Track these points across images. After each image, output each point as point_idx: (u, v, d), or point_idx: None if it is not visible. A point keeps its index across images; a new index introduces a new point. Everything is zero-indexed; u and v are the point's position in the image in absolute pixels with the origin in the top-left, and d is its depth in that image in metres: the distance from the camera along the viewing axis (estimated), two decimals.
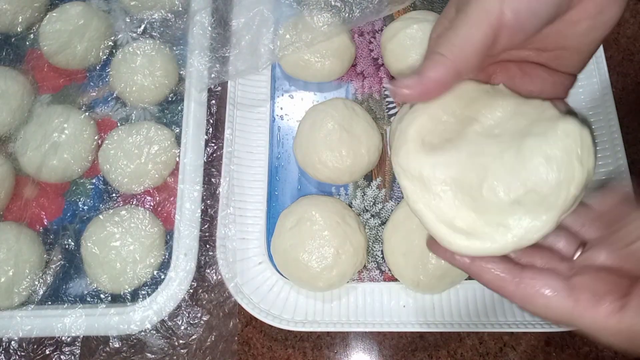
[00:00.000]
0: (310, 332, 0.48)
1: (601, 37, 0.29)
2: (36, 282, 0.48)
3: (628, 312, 0.24)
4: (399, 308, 0.46)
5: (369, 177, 0.52)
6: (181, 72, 0.55)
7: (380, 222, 0.50)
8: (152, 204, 0.52)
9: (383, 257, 0.48)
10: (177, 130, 0.53)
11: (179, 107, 0.54)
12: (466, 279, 0.47)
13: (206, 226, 0.50)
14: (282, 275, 0.48)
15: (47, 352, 0.46)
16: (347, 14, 0.52)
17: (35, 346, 0.46)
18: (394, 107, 0.54)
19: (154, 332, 0.47)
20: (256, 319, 0.46)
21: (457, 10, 0.30)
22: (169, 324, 0.47)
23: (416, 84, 0.28)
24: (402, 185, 0.28)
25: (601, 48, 0.53)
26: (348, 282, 0.47)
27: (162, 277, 0.48)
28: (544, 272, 0.27)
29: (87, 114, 0.54)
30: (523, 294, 0.26)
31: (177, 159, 0.52)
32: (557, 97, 0.33)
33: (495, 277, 0.27)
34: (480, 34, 0.27)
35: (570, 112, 0.29)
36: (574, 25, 0.28)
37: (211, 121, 0.54)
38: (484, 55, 0.28)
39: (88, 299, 0.48)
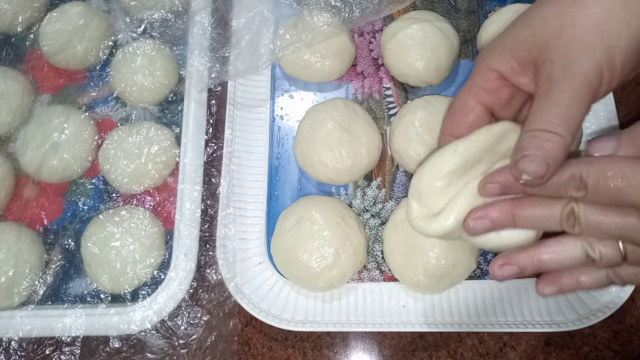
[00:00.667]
0: (310, 332, 0.48)
1: None
2: (36, 282, 0.48)
3: None
4: (399, 308, 0.46)
5: (369, 177, 0.52)
6: (181, 72, 0.55)
7: (380, 222, 0.50)
8: (152, 204, 0.52)
9: (383, 257, 0.48)
10: (177, 130, 0.53)
11: (179, 107, 0.54)
12: (466, 279, 0.47)
13: (206, 226, 0.50)
14: (282, 275, 0.48)
15: (47, 352, 0.46)
16: (347, 14, 0.52)
17: (35, 346, 0.46)
18: (394, 107, 0.54)
19: (154, 332, 0.47)
20: (256, 319, 0.46)
21: (548, 76, 0.28)
22: (169, 324, 0.47)
23: (542, 167, 0.27)
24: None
25: None
26: (348, 282, 0.47)
27: (162, 277, 0.48)
28: None
29: (87, 114, 0.54)
30: None
31: (177, 159, 0.52)
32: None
33: None
34: (586, 106, 0.27)
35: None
36: None
37: (211, 121, 0.54)
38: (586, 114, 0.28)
39: (88, 299, 0.48)
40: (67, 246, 0.50)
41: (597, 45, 0.27)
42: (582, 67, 0.27)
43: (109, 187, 0.52)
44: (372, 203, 0.51)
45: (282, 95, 0.56)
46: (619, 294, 0.44)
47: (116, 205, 0.52)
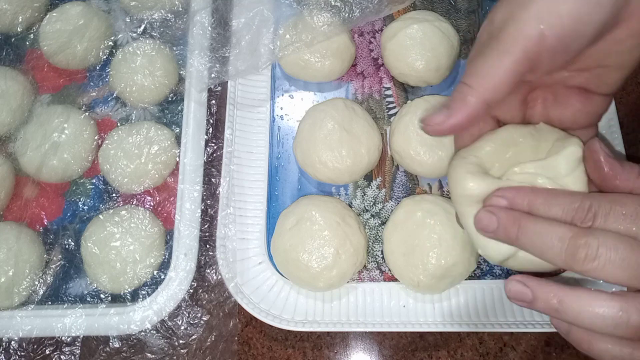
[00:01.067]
0: (310, 332, 0.48)
1: None
2: (36, 282, 0.48)
3: None
4: (399, 308, 0.46)
5: (369, 177, 0.52)
6: (181, 72, 0.55)
7: (380, 222, 0.50)
8: (152, 204, 0.52)
9: (383, 257, 0.48)
10: (177, 130, 0.53)
11: (179, 107, 0.54)
12: (466, 279, 0.47)
13: (206, 226, 0.50)
14: (282, 275, 0.48)
15: (47, 352, 0.46)
16: (347, 14, 0.52)
17: (35, 346, 0.46)
18: (394, 107, 0.54)
19: (154, 332, 0.47)
20: (256, 319, 0.46)
21: (489, 35, 0.29)
22: (169, 324, 0.47)
23: (445, 119, 0.28)
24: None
25: None
26: (348, 282, 0.47)
27: (162, 277, 0.48)
28: None
29: (87, 114, 0.54)
30: None
31: (177, 159, 0.52)
32: (591, 123, 0.32)
33: None
34: (511, 61, 0.26)
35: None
36: (618, 44, 0.28)
37: (211, 121, 0.54)
38: (515, 83, 0.27)
39: (88, 299, 0.48)
40: (67, 246, 0.50)
41: (532, 18, 0.26)
42: (523, 29, 0.26)
43: (109, 187, 0.52)
44: (372, 203, 0.51)
45: (282, 95, 0.56)
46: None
47: (116, 205, 0.52)
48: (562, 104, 0.32)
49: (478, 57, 0.28)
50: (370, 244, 0.49)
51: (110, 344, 0.46)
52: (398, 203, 0.49)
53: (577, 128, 0.32)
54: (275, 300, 0.47)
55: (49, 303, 0.48)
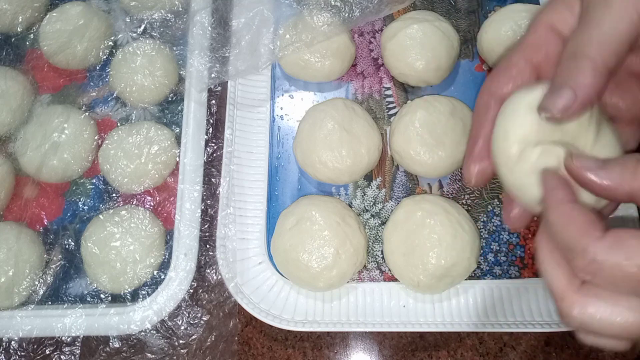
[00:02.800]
0: (310, 332, 0.48)
1: None
2: (36, 282, 0.48)
3: None
4: (399, 308, 0.46)
5: (369, 177, 0.52)
6: (181, 72, 0.55)
7: (380, 222, 0.50)
8: (152, 204, 0.52)
9: (383, 257, 0.48)
10: (177, 130, 0.53)
11: (179, 107, 0.54)
12: (466, 279, 0.47)
13: (206, 226, 0.50)
14: (282, 275, 0.48)
15: (47, 352, 0.46)
16: (347, 14, 0.52)
17: (35, 346, 0.46)
18: (394, 107, 0.54)
19: (154, 332, 0.47)
20: (256, 319, 0.46)
21: (585, 4, 0.26)
22: (169, 324, 0.47)
23: (571, 99, 0.25)
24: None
25: None
26: (348, 282, 0.47)
27: (162, 277, 0.48)
28: None
29: (87, 114, 0.54)
30: None
31: (177, 159, 0.52)
32: None
33: None
34: (627, 24, 0.25)
35: None
36: None
37: (211, 121, 0.54)
38: (629, 47, 0.25)
39: (88, 299, 0.48)
40: (67, 246, 0.50)
41: None
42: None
43: (109, 187, 0.52)
44: (372, 203, 0.51)
45: (282, 95, 0.56)
46: None
47: (116, 205, 0.52)
48: (622, 91, 0.30)
49: (585, 26, 0.26)
50: (370, 244, 0.49)
51: (110, 344, 0.46)
52: (398, 203, 0.49)
53: (628, 120, 0.30)
54: (275, 300, 0.47)
55: (49, 303, 0.48)
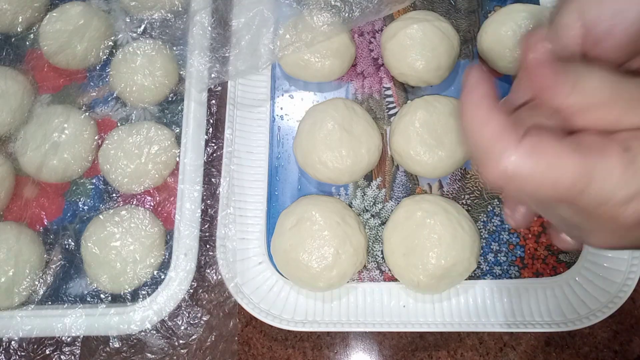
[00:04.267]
0: (310, 332, 0.48)
1: None
2: (36, 282, 0.48)
3: None
4: (399, 308, 0.46)
5: (369, 177, 0.52)
6: (181, 72, 0.55)
7: (380, 222, 0.50)
8: (152, 204, 0.52)
9: (383, 257, 0.48)
10: (177, 130, 0.53)
11: (179, 107, 0.54)
12: (466, 279, 0.47)
13: (206, 226, 0.50)
14: (282, 275, 0.48)
15: (47, 352, 0.46)
16: (347, 14, 0.52)
17: (35, 346, 0.46)
18: (394, 107, 0.54)
19: (154, 332, 0.47)
20: (256, 319, 0.46)
21: None
22: (169, 324, 0.47)
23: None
24: None
25: None
26: (348, 282, 0.47)
27: (162, 277, 0.48)
28: None
29: (87, 114, 0.54)
30: None
31: (177, 159, 0.52)
32: None
33: None
34: None
35: None
36: None
37: (211, 121, 0.54)
38: None
39: (88, 299, 0.48)
40: (67, 246, 0.50)
41: None
42: None
43: (109, 187, 0.52)
44: (372, 203, 0.51)
45: (282, 95, 0.55)
46: (619, 294, 0.44)
47: (116, 205, 0.52)
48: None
49: None
50: (370, 244, 0.49)
51: (110, 344, 0.46)
52: (398, 203, 0.49)
53: None
54: (275, 300, 0.47)
55: (49, 303, 0.48)
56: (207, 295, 0.49)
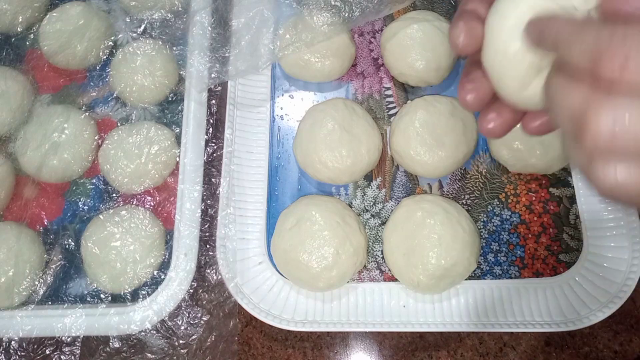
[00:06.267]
0: (310, 332, 0.48)
1: None
2: (36, 282, 0.48)
3: None
4: (399, 308, 0.46)
5: (369, 177, 0.52)
6: (181, 72, 0.55)
7: (380, 222, 0.50)
8: (152, 204, 0.52)
9: (383, 257, 0.48)
10: (177, 130, 0.53)
11: (179, 107, 0.54)
12: (466, 279, 0.47)
13: (206, 226, 0.50)
14: (282, 275, 0.48)
15: (47, 352, 0.46)
16: (347, 14, 0.52)
17: (35, 346, 0.46)
18: (394, 107, 0.54)
19: (154, 332, 0.47)
20: (256, 319, 0.46)
21: None
22: (169, 324, 0.47)
23: None
24: None
25: None
26: (348, 282, 0.47)
27: (162, 277, 0.48)
28: None
29: (87, 114, 0.54)
30: None
31: (177, 159, 0.52)
32: None
33: None
34: None
35: None
36: None
37: (211, 121, 0.54)
38: None
39: (88, 299, 0.48)
40: (67, 246, 0.50)
41: None
42: None
43: (109, 187, 0.52)
44: (372, 203, 0.51)
45: (282, 95, 0.56)
46: (619, 294, 0.44)
47: (116, 205, 0.52)
48: None
49: None
50: (370, 244, 0.49)
51: (110, 344, 0.46)
52: (398, 203, 0.49)
53: None
54: (275, 300, 0.47)
55: (49, 303, 0.48)
56: (207, 295, 0.49)
